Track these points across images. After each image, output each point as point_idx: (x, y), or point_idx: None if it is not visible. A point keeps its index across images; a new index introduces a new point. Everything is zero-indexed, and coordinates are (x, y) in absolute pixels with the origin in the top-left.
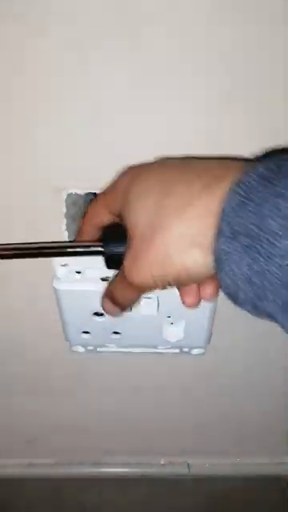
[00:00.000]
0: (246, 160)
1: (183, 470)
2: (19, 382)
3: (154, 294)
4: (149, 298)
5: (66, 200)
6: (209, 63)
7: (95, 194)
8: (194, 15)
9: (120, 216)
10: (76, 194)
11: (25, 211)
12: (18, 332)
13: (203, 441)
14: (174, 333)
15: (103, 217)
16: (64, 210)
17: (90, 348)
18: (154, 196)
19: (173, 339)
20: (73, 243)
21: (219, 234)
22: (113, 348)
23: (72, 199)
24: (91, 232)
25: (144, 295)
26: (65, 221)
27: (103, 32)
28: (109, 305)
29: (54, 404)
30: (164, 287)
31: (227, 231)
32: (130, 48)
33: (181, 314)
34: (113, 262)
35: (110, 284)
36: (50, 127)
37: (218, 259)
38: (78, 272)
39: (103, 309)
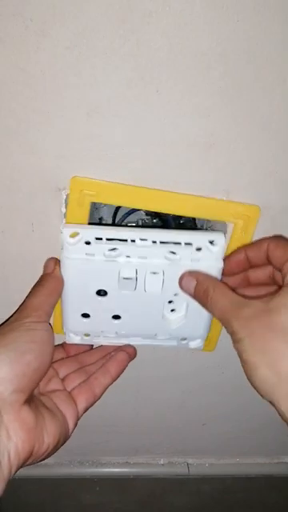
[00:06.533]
0: None
1: (183, 470)
2: None
3: (160, 270)
4: (155, 273)
5: (66, 200)
6: (209, 63)
7: None
8: (195, 14)
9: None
10: None
11: (25, 211)
12: None
13: (203, 441)
14: (175, 319)
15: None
16: (64, 210)
17: (87, 338)
18: None
19: (173, 325)
20: None
21: None
22: (111, 337)
23: None
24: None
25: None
26: (65, 221)
27: (103, 32)
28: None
29: None
30: None
31: None
32: (130, 48)
33: (183, 298)
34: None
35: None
36: (50, 127)
37: None
38: (88, 243)
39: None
